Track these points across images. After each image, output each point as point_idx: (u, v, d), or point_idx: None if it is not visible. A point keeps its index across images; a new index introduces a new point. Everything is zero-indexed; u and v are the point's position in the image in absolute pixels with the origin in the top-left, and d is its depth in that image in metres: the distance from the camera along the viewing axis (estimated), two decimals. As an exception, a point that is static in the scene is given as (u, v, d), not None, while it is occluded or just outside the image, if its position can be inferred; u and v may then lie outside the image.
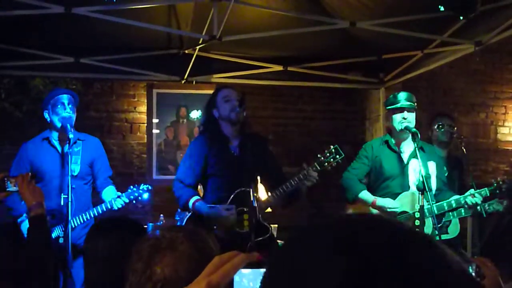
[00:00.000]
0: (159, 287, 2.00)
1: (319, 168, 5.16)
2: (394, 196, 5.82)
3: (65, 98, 5.80)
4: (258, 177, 5.55)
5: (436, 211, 5.47)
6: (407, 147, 5.92)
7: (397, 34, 6.23)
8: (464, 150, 6.07)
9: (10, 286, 2.79)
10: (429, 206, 5.31)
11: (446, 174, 6.04)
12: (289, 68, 7.85)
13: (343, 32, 6.64)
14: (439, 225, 5.55)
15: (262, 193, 5.94)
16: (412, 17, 5.94)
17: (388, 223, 0.90)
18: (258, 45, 7.19)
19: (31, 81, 8.37)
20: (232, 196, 5.25)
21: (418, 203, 5.30)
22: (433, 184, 5.78)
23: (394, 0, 5.90)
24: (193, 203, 5.26)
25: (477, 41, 6.22)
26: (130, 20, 5.90)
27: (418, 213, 5.35)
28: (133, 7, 5.85)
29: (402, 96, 5.92)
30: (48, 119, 5.80)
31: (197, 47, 7.03)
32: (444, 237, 5.84)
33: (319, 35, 6.68)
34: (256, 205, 4.83)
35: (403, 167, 5.88)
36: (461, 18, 5.39)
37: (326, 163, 5.18)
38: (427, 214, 5.44)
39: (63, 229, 5.23)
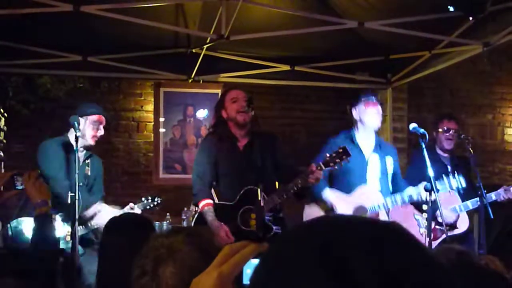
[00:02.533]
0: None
1: (324, 167, 5.15)
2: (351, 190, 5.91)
3: (103, 119, 5.96)
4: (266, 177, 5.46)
5: (390, 206, 5.78)
6: (368, 142, 6.05)
7: (405, 34, 6.23)
8: (471, 151, 6.04)
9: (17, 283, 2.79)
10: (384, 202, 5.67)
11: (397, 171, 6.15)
12: (296, 68, 7.85)
13: (350, 32, 6.64)
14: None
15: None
16: (420, 17, 5.93)
17: (362, 222, 0.91)
18: (266, 44, 7.19)
19: (39, 79, 8.38)
20: (238, 195, 5.31)
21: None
22: (389, 179, 5.99)
23: (402, 0, 5.90)
24: (203, 206, 5.34)
25: (485, 42, 6.21)
26: (138, 18, 5.91)
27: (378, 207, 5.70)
28: (141, 5, 5.87)
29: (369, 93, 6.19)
30: (78, 129, 5.58)
31: (205, 46, 7.04)
32: (454, 232, 5.92)
33: (327, 35, 6.69)
34: (263, 204, 4.84)
35: (364, 162, 5.97)
36: (471, 18, 5.38)
37: (332, 163, 5.17)
38: (380, 208, 5.75)
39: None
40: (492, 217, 5.73)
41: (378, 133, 6.24)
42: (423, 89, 9.50)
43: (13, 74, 8.03)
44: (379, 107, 6.08)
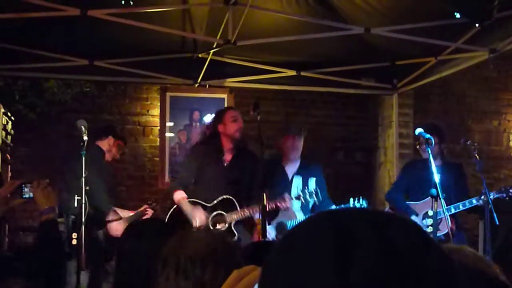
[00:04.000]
0: (183, 263, 2.13)
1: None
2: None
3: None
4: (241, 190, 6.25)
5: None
6: (293, 166, 6.83)
7: (411, 40, 6.23)
8: (477, 157, 6.04)
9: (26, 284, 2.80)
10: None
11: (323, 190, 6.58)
12: (302, 73, 7.85)
13: (356, 37, 6.64)
14: None
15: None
16: (426, 23, 5.93)
17: (368, 211, 1.00)
18: (272, 49, 7.19)
19: (45, 83, 8.41)
20: (215, 201, 6.03)
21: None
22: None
23: (408, 6, 5.89)
24: (178, 199, 6.08)
25: (492, 48, 6.20)
26: (145, 23, 5.92)
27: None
28: (148, 10, 5.88)
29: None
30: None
31: (211, 51, 7.04)
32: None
33: (333, 41, 6.69)
34: (268, 209, 5.21)
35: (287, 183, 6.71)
36: (477, 25, 5.38)
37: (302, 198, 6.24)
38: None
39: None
40: (498, 223, 5.73)
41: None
42: (429, 95, 9.51)
43: (19, 77, 8.06)
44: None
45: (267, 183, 5.50)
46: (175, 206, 6.14)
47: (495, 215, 5.73)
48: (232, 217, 5.99)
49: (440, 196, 5.15)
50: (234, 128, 6.14)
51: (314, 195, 6.29)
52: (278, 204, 6.10)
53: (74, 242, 5.27)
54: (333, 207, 6.31)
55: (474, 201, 6.05)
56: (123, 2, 4.80)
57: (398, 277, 0.84)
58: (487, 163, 9.07)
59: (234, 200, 6.01)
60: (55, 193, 3.73)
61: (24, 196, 3.80)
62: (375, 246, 0.86)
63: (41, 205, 3.59)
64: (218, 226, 5.94)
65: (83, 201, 5.00)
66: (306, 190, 6.32)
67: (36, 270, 3.27)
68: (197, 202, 6.08)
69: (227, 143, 6.20)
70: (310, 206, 6.52)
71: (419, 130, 5.70)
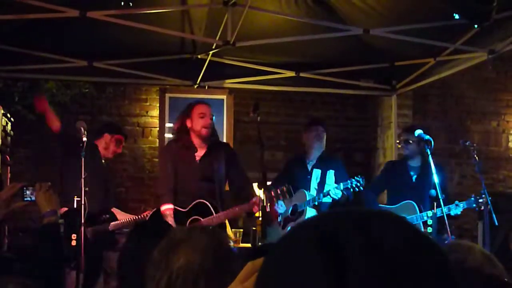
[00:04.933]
0: (174, 277, 2.04)
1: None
2: None
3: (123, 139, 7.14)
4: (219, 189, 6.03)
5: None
6: (314, 160, 6.75)
7: (410, 41, 6.23)
8: (476, 157, 6.05)
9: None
10: None
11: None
12: (301, 74, 7.85)
13: (355, 38, 6.66)
14: None
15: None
16: (425, 24, 5.94)
17: (351, 213, 0.94)
18: (271, 50, 7.21)
19: (44, 84, 8.40)
20: (190, 206, 5.77)
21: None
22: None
23: (407, 7, 5.91)
24: (165, 210, 5.78)
25: (491, 50, 6.21)
26: (144, 24, 5.93)
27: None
28: (147, 11, 5.88)
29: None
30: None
31: (210, 52, 7.05)
32: None
33: (332, 42, 6.70)
34: (268, 210, 5.13)
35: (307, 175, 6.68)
36: (476, 27, 5.38)
37: (275, 199, 5.83)
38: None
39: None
40: (497, 224, 5.74)
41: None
42: (428, 95, 9.51)
43: (19, 79, 8.06)
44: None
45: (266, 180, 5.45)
46: (155, 209, 6.01)
47: (494, 216, 5.74)
48: (210, 222, 5.72)
49: (440, 197, 5.16)
50: (200, 124, 5.84)
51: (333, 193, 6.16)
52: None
53: (74, 243, 5.28)
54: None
55: (430, 214, 6.04)
56: (122, 3, 4.80)
57: (394, 282, 0.83)
58: (486, 164, 9.07)
59: (208, 204, 5.74)
60: (56, 196, 3.74)
61: (25, 199, 3.80)
62: (365, 255, 0.83)
63: (43, 208, 3.60)
64: None
65: (83, 202, 5.01)
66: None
67: (36, 271, 3.28)
68: (174, 208, 5.86)
69: (197, 139, 5.93)
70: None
71: (418, 132, 5.72)
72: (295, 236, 0.93)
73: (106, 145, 6.73)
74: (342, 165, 6.91)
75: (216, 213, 5.71)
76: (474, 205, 6.04)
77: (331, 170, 6.62)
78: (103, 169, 6.72)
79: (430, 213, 5.74)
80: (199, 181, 5.87)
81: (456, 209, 5.91)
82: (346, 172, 6.68)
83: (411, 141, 6.48)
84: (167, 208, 5.75)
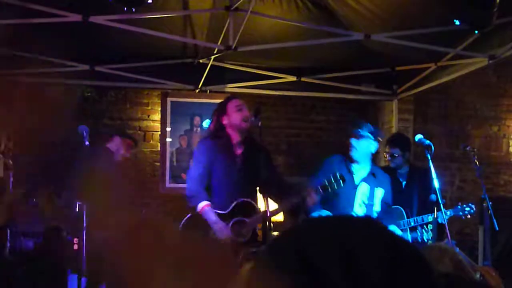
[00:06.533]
0: None
1: (322, 192, 5.32)
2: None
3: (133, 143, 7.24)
4: (257, 188, 5.63)
5: None
6: (360, 170, 5.97)
7: (411, 46, 6.26)
8: (477, 162, 6.06)
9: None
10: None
11: (391, 204, 6.08)
12: (303, 79, 7.89)
13: (357, 43, 6.67)
14: None
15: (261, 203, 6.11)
16: (426, 30, 5.96)
17: (327, 227, 0.95)
18: (272, 55, 7.23)
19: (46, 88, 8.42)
20: (231, 206, 5.38)
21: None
22: (377, 208, 5.92)
23: (408, 12, 5.92)
24: (202, 207, 5.36)
25: (491, 55, 6.23)
26: (146, 29, 5.95)
27: None
28: (150, 16, 5.90)
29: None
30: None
31: (212, 57, 7.07)
32: None
33: (333, 47, 6.72)
34: (269, 214, 4.98)
35: (353, 188, 5.93)
36: (476, 32, 5.41)
37: (329, 188, 5.31)
38: None
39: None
40: (497, 229, 5.75)
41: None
42: (429, 100, 9.51)
43: (21, 83, 8.07)
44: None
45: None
46: (189, 215, 5.48)
47: (494, 220, 5.75)
48: (255, 220, 5.38)
49: (440, 202, 5.18)
50: (240, 118, 5.50)
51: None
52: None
53: (76, 247, 5.29)
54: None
55: (430, 218, 6.01)
56: (125, 9, 4.83)
57: None
58: (487, 168, 9.09)
59: (253, 203, 5.42)
60: (59, 201, 3.77)
61: (29, 204, 3.83)
62: (342, 276, 0.84)
63: (46, 213, 3.62)
64: (240, 237, 5.35)
65: (84, 208, 5.02)
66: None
67: (38, 275, 3.31)
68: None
69: (235, 136, 5.56)
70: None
71: (418, 137, 5.74)
72: (277, 259, 0.93)
73: (117, 147, 6.82)
74: (390, 184, 6.14)
75: (257, 211, 5.41)
76: (461, 213, 6.07)
77: (380, 188, 5.97)
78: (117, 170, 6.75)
79: (430, 217, 5.76)
80: (239, 181, 5.50)
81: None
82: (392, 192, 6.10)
83: (396, 155, 6.52)
84: (205, 204, 5.37)
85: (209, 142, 5.63)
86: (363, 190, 5.93)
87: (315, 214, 5.80)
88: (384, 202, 5.92)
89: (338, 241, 0.88)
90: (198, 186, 5.50)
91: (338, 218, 0.97)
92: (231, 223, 5.35)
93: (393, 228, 5.76)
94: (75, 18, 5.59)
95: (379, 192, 5.93)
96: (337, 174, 5.32)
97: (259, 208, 5.43)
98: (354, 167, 5.96)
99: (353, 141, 5.93)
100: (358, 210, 5.93)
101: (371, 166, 5.98)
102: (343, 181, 5.30)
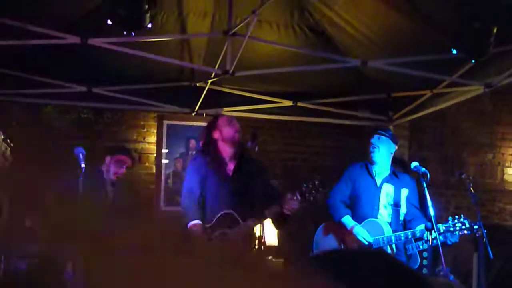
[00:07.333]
0: None
1: (299, 198, 5.28)
2: (362, 218, 5.98)
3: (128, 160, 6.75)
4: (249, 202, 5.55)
5: (393, 240, 5.80)
6: (381, 171, 6.12)
7: (407, 73, 6.27)
8: (472, 190, 6.06)
9: None
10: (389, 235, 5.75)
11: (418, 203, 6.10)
12: (299, 104, 7.91)
13: (353, 69, 6.70)
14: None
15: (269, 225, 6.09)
16: (422, 57, 5.98)
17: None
18: (269, 80, 7.25)
19: (43, 108, 8.42)
20: (215, 219, 5.39)
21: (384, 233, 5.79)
22: (403, 209, 5.99)
23: (405, 40, 5.96)
24: (191, 226, 5.37)
25: (487, 83, 6.26)
26: (144, 52, 5.97)
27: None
28: (148, 40, 5.92)
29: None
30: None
31: (209, 81, 7.09)
32: None
33: (330, 72, 6.74)
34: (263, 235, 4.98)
35: (376, 190, 6.04)
36: (473, 61, 5.44)
37: (307, 194, 5.28)
38: (385, 242, 5.79)
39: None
40: (492, 257, 5.73)
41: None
42: (424, 127, 9.55)
43: (18, 103, 8.08)
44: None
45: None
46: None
47: (489, 248, 5.74)
48: (236, 232, 5.33)
49: (435, 229, 5.19)
50: (232, 130, 5.51)
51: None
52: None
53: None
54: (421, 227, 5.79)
55: (425, 246, 5.99)
56: (124, 32, 4.84)
57: None
58: (482, 196, 9.10)
59: (234, 214, 5.36)
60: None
61: (26, 224, 3.81)
62: None
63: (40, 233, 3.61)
64: None
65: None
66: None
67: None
68: None
69: (227, 150, 5.54)
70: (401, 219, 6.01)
71: (414, 164, 5.74)
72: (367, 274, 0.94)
73: (106, 167, 6.59)
74: (415, 186, 6.15)
75: (243, 221, 5.35)
76: (452, 228, 6.05)
77: (405, 188, 6.05)
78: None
79: (425, 245, 5.76)
80: (228, 195, 5.46)
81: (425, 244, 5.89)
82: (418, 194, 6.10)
83: None
84: (194, 223, 5.35)
85: (201, 158, 5.61)
86: (387, 190, 6.04)
87: (338, 218, 6.00)
88: (409, 203, 5.98)
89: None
90: (190, 201, 5.50)
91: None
92: (214, 235, 5.33)
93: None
94: (73, 40, 5.60)
95: (405, 192, 6.03)
96: (315, 181, 5.30)
97: (242, 221, 5.36)
98: (375, 169, 6.12)
99: (375, 140, 6.15)
100: (383, 212, 5.98)
101: (391, 167, 6.12)
102: (323, 187, 5.30)
